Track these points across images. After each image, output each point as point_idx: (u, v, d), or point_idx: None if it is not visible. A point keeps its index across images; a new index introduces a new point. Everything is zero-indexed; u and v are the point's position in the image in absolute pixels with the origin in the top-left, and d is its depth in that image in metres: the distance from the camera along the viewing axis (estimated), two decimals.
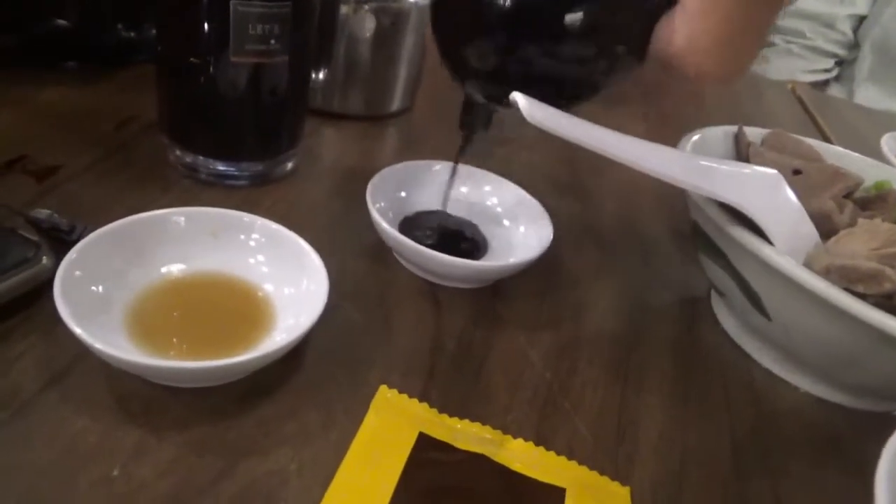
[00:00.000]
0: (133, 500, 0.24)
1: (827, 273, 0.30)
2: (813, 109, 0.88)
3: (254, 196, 0.43)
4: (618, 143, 0.29)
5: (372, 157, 0.53)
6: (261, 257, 0.33)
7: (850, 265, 0.29)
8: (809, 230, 0.33)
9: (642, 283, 0.44)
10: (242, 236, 0.32)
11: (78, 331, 0.25)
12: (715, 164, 0.32)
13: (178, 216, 0.31)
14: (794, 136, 0.47)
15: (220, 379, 0.28)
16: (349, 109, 0.56)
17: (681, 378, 0.37)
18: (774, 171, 0.33)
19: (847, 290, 0.29)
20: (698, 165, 0.32)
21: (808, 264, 0.31)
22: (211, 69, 0.38)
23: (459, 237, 0.41)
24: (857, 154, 0.49)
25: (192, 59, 0.38)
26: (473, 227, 0.42)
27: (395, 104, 0.58)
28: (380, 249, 0.40)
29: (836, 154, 0.48)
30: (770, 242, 0.32)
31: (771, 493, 0.31)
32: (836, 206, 0.36)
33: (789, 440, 0.35)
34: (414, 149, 0.57)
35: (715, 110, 0.81)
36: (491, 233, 0.42)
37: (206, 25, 0.37)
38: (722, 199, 0.32)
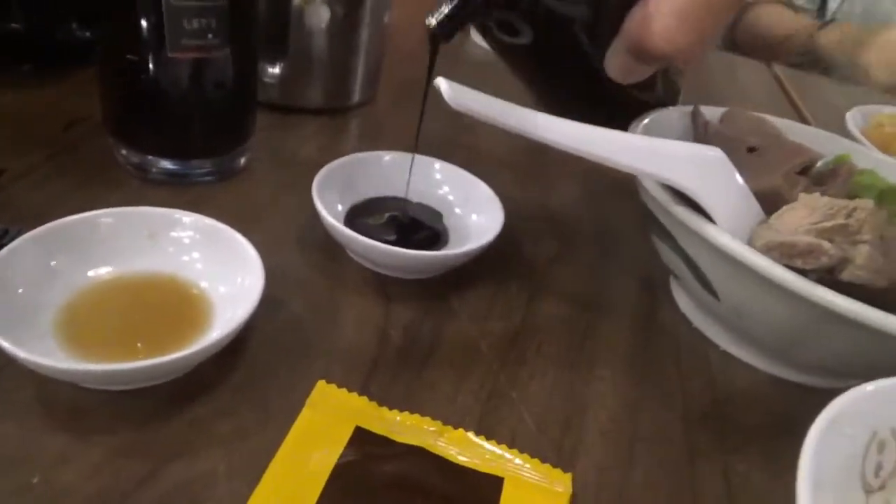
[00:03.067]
0: None
1: (768, 250, 0.29)
2: (790, 87, 0.87)
3: (204, 194, 0.42)
4: (552, 126, 0.29)
5: (331, 150, 0.52)
6: (196, 254, 0.32)
7: (789, 241, 0.28)
8: (755, 208, 0.32)
9: (601, 268, 0.44)
10: (175, 234, 0.32)
11: (1, 341, 0.25)
12: (655, 144, 0.31)
13: (107, 217, 0.31)
14: (754, 113, 0.46)
15: (149, 380, 0.28)
16: (308, 103, 0.55)
17: (635, 363, 0.36)
18: (717, 150, 0.32)
19: (788, 266, 0.29)
20: (638, 146, 0.31)
21: (751, 242, 0.31)
22: (150, 66, 0.37)
23: (413, 226, 0.41)
24: (819, 129, 0.49)
25: (129, 56, 0.37)
26: (433, 214, 0.42)
27: (356, 96, 0.57)
28: (331, 244, 0.39)
29: (798, 130, 0.47)
30: (714, 222, 0.31)
31: (722, 476, 0.31)
32: (785, 183, 0.36)
33: (744, 421, 0.34)
34: (376, 140, 0.56)
35: (686, 92, 0.80)
36: (444, 222, 0.41)
37: (141, 22, 0.36)
38: (661, 180, 0.32)
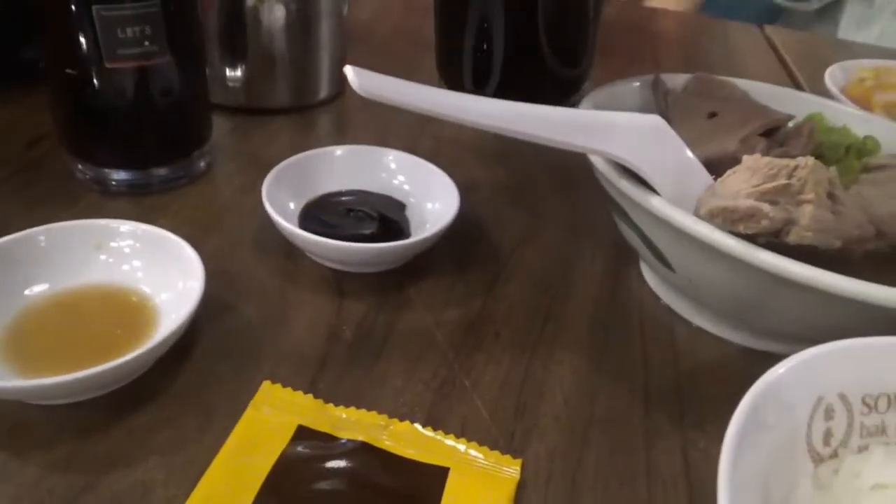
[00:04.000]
0: None
1: (711, 217, 0.28)
2: (782, 50, 0.85)
3: (162, 201, 0.42)
4: (474, 106, 0.28)
5: (298, 148, 0.51)
6: (137, 262, 0.32)
7: (731, 206, 0.27)
8: (701, 174, 0.31)
9: (569, 251, 0.43)
10: (115, 244, 0.32)
11: None
12: (588, 117, 0.30)
13: (44, 234, 0.31)
14: (720, 77, 0.45)
15: (90, 391, 0.28)
16: (275, 103, 0.55)
17: (597, 344, 0.35)
18: (655, 117, 0.31)
19: (732, 232, 0.28)
20: (571, 121, 0.30)
21: (697, 209, 0.30)
22: (91, 79, 0.37)
23: (369, 218, 0.40)
24: (791, 90, 0.47)
25: (68, 70, 0.37)
26: (391, 204, 0.41)
27: (323, 91, 0.57)
28: (286, 244, 0.39)
29: (767, 92, 0.45)
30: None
31: (681, 454, 0.30)
32: (742, 146, 0.34)
33: (707, 395, 0.33)
34: (345, 135, 0.56)
35: (673, 64, 0.79)
36: (405, 212, 0.41)
37: (75, 35, 0.36)
38: (597, 153, 0.31)
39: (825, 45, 0.96)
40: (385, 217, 0.40)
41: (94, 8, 0.35)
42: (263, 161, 0.48)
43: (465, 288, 0.38)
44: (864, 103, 0.48)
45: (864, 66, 0.54)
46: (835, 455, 0.24)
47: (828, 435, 0.24)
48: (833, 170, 0.29)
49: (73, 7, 0.35)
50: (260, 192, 0.43)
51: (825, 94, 0.52)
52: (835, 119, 0.43)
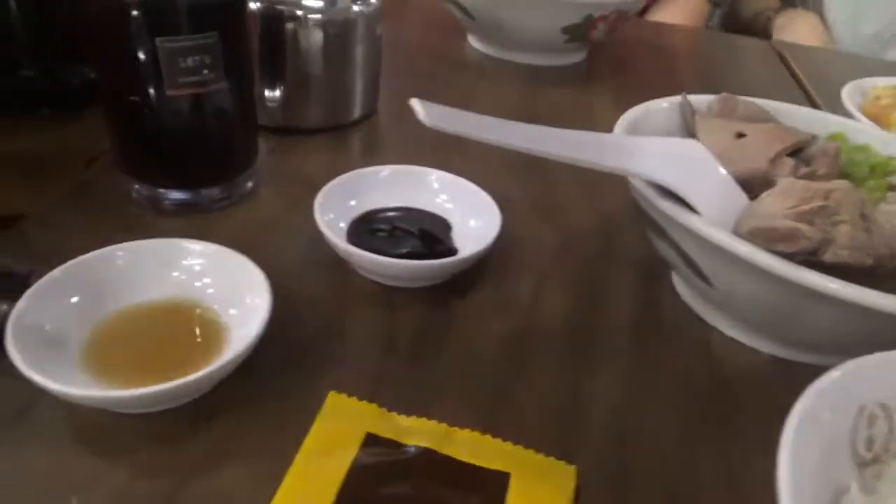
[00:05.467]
0: None
1: (752, 236, 0.30)
2: (794, 65, 0.87)
3: (215, 219, 0.44)
4: (530, 135, 0.30)
5: (337, 166, 0.53)
6: (207, 280, 0.34)
7: (769, 226, 0.29)
8: (737, 194, 0.33)
9: (603, 264, 0.45)
10: (186, 262, 0.34)
11: (30, 374, 0.27)
12: (633, 143, 0.32)
13: (121, 251, 0.33)
14: (744, 98, 0.47)
15: (168, 402, 0.30)
16: (310, 123, 0.57)
17: (637, 355, 0.37)
18: (693, 142, 0.33)
19: (772, 250, 0.30)
20: (615, 146, 0.32)
21: (736, 228, 0.32)
22: (152, 104, 0.39)
23: (416, 236, 0.42)
24: (813, 110, 0.49)
25: (131, 97, 0.39)
26: (436, 222, 0.43)
27: (357, 112, 0.59)
28: (335, 259, 0.41)
29: (792, 112, 0.47)
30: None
31: (723, 458, 0.32)
32: (772, 166, 0.36)
33: (744, 404, 0.35)
34: (378, 154, 0.58)
35: (690, 79, 0.81)
36: (442, 229, 0.43)
37: (138, 64, 0.38)
38: (642, 177, 0.32)
39: (836, 59, 0.98)
40: (430, 234, 0.41)
41: (158, 40, 0.37)
42: (303, 180, 0.50)
43: (507, 301, 0.40)
44: (881, 121, 0.50)
45: (879, 84, 0.56)
46: (877, 460, 0.26)
47: (870, 441, 0.26)
48: (860, 192, 0.31)
49: (138, 39, 0.37)
50: (303, 209, 0.45)
51: (843, 112, 0.54)
52: (856, 138, 0.45)
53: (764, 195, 0.32)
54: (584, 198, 0.52)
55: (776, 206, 0.30)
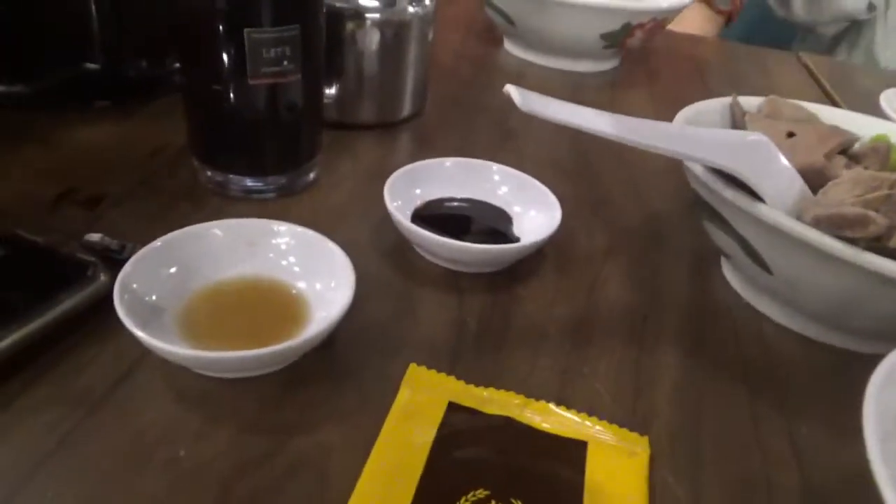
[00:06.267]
0: (200, 475, 0.27)
1: (817, 223, 0.32)
2: (819, 75, 0.89)
3: (281, 206, 0.46)
4: (611, 122, 0.32)
5: (387, 161, 0.56)
6: (292, 259, 0.36)
7: (837, 213, 0.31)
8: (800, 186, 0.35)
9: (654, 254, 0.46)
10: (274, 241, 0.36)
11: (140, 334, 0.29)
12: (704, 133, 0.34)
13: (215, 228, 0.35)
14: (790, 101, 0.49)
15: (263, 367, 0.31)
16: (363, 119, 0.59)
17: (694, 338, 0.39)
18: (760, 135, 0.35)
19: (837, 237, 0.31)
20: (689, 135, 0.34)
21: (799, 217, 0.33)
22: (232, 94, 0.41)
23: (477, 224, 0.44)
24: (854, 112, 0.51)
25: (214, 86, 0.41)
26: (496, 212, 0.45)
27: (406, 110, 0.61)
28: (400, 244, 0.43)
29: (833, 114, 0.49)
30: (763, 201, 0.34)
31: (787, 437, 0.33)
32: (826, 161, 0.38)
33: (802, 386, 0.36)
34: (426, 150, 0.60)
35: (719, 86, 0.83)
36: (503, 219, 0.44)
37: (223, 54, 0.40)
38: (714, 165, 0.34)
39: (859, 71, 1.00)
40: (492, 222, 0.43)
41: (245, 31, 0.39)
42: (361, 171, 0.52)
43: (567, 289, 0.42)
44: None
45: None
46: None
47: None
48: None
49: (226, 30, 0.39)
50: (365, 198, 0.47)
51: (881, 116, 0.56)
52: None
53: (830, 184, 0.33)
54: (631, 195, 0.54)
55: (842, 194, 0.32)
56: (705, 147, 0.34)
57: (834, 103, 0.80)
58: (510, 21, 0.75)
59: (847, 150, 0.43)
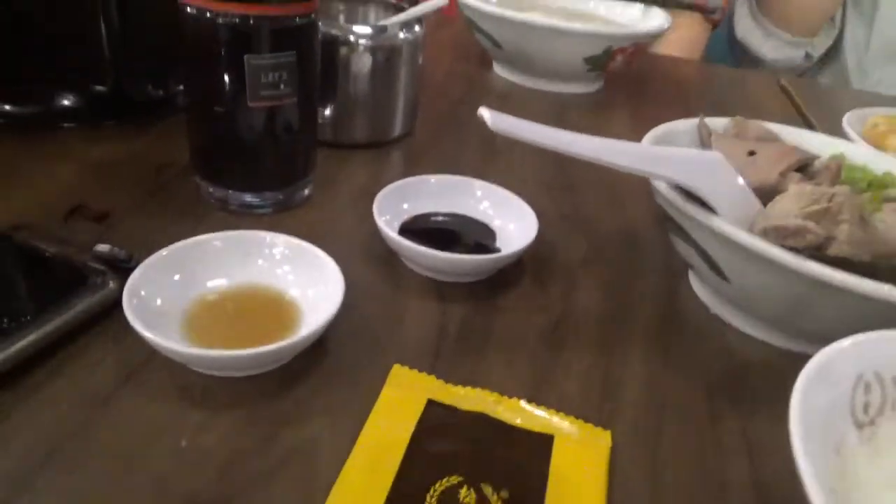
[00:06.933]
0: (201, 462, 0.30)
1: (764, 234, 0.35)
2: (796, 97, 0.92)
3: (277, 220, 0.49)
4: (577, 141, 0.35)
5: (379, 178, 0.59)
6: (287, 268, 0.39)
7: (780, 224, 0.34)
8: (752, 200, 0.38)
9: (627, 266, 0.49)
10: (269, 251, 0.39)
11: (146, 334, 0.32)
12: (665, 152, 0.37)
13: (216, 240, 0.38)
14: (755, 121, 0.52)
15: (259, 366, 0.34)
16: (356, 139, 0.62)
17: (661, 344, 0.42)
18: (716, 153, 0.38)
19: (783, 246, 0.34)
20: (651, 154, 0.37)
21: (750, 228, 0.36)
22: (233, 115, 0.45)
23: (460, 237, 0.47)
24: (817, 133, 0.54)
25: (216, 108, 0.44)
26: (478, 226, 0.48)
27: (397, 130, 0.64)
28: (389, 256, 0.46)
29: (796, 134, 0.53)
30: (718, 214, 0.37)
31: (741, 434, 0.36)
32: (781, 179, 0.41)
33: (758, 389, 0.39)
34: (415, 167, 0.63)
35: (699, 107, 0.86)
36: (485, 231, 0.48)
37: (225, 78, 0.43)
38: (673, 182, 0.37)
39: (836, 95, 1.04)
40: (475, 235, 0.46)
41: (246, 56, 0.42)
42: (352, 188, 0.56)
43: (545, 297, 0.45)
44: (878, 146, 0.55)
45: (878, 113, 0.61)
46: (872, 423, 0.30)
47: (867, 405, 0.30)
48: (860, 196, 0.36)
49: (228, 55, 0.42)
50: (356, 213, 0.50)
51: (843, 137, 0.59)
52: (854, 158, 0.50)
53: (777, 198, 0.36)
54: (609, 210, 0.57)
55: (787, 207, 0.35)
56: (666, 165, 0.37)
57: (808, 124, 0.83)
58: (497, 45, 0.79)
59: (805, 167, 0.46)
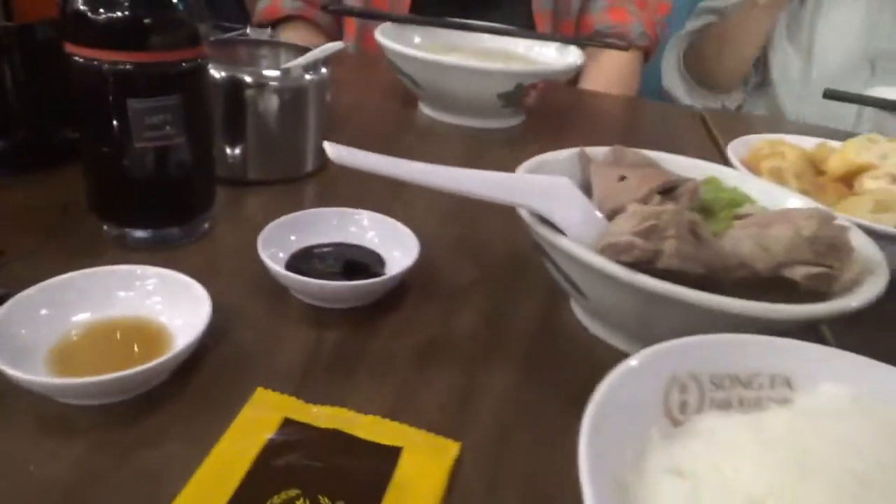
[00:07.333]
0: (47, 487, 0.31)
1: (602, 251, 0.37)
2: (714, 127, 0.96)
3: (173, 254, 0.50)
4: (428, 171, 0.37)
5: (284, 212, 0.60)
6: (157, 298, 0.40)
7: (613, 242, 0.36)
8: (599, 220, 0.40)
9: (511, 289, 0.51)
10: (139, 283, 0.40)
11: (2, 368, 0.33)
12: (512, 179, 0.40)
13: (84, 275, 0.39)
14: (632, 149, 0.55)
15: (115, 394, 0.35)
16: (268, 175, 0.64)
17: (532, 360, 0.43)
18: (563, 178, 0.40)
19: (619, 261, 0.37)
20: (499, 182, 0.39)
21: (594, 246, 0.39)
22: (122, 155, 0.47)
23: (349, 265, 0.49)
24: (699, 160, 0.57)
25: (104, 149, 0.46)
26: (368, 254, 0.50)
27: (309, 165, 0.66)
28: (278, 287, 0.47)
29: (673, 161, 0.56)
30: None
31: None
32: (640, 201, 0.44)
33: None
34: (324, 201, 0.64)
35: (614, 139, 0.89)
36: (372, 259, 0.49)
37: (112, 122, 0.45)
38: (523, 207, 0.40)
39: (756, 123, 1.09)
40: (358, 263, 0.48)
41: (129, 101, 0.45)
42: (257, 223, 0.57)
43: (423, 320, 0.46)
44: (754, 170, 0.58)
45: (765, 138, 0.64)
46: (689, 420, 0.32)
47: (684, 405, 0.32)
48: (695, 214, 0.38)
49: (112, 99, 0.45)
50: (252, 246, 0.52)
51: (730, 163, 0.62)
52: (727, 181, 0.53)
53: (616, 218, 0.39)
54: (502, 235, 0.59)
55: (622, 225, 0.37)
56: (515, 192, 0.39)
57: (720, 150, 0.87)
58: (417, 84, 0.82)
59: (671, 189, 0.49)
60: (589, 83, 1.14)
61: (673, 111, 1.05)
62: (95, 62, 0.44)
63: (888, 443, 0.27)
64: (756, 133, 0.73)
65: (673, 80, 1.31)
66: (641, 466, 0.28)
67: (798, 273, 0.39)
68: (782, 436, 0.29)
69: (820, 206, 0.46)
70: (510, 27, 0.94)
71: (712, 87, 1.28)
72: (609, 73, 1.14)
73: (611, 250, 0.37)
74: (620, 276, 0.36)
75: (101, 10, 0.43)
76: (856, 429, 0.28)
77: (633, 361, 0.31)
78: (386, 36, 0.83)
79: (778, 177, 0.56)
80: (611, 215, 0.43)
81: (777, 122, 1.11)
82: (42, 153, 0.61)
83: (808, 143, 0.65)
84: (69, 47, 0.45)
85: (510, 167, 0.77)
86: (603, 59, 1.13)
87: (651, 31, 1.15)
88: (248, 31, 0.81)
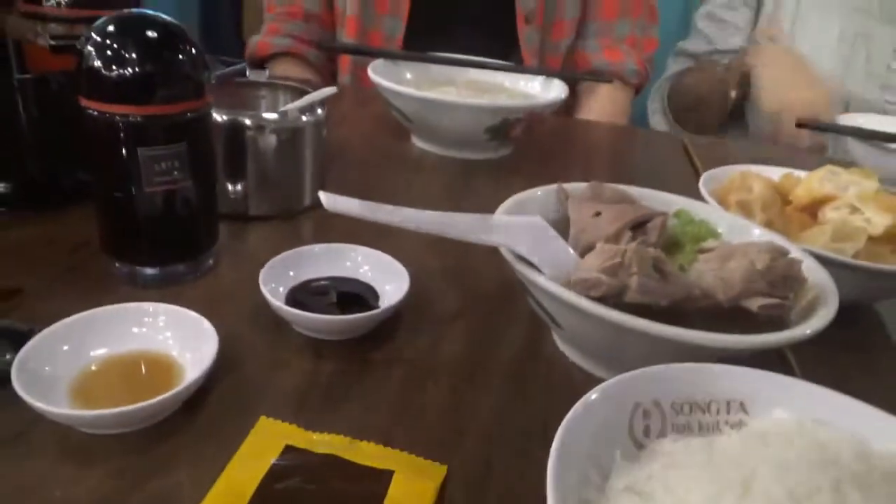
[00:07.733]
0: None
1: (572, 286, 0.41)
2: (694, 155, 1.01)
3: (180, 290, 0.54)
4: (413, 216, 0.41)
5: (283, 247, 0.63)
6: (168, 333, 0.44)
7: (582, 277, 0.40)
8: (572, 257, 0.44)
9: (497, 318, 0.55)
10: (151, 320, 0.44)
11: (31, 401, 0.36)
12: (490, 221, 0.44)
13: (102, 312, 0.43)
14: (610, 184, 0.59)
15: (132, 423, 0.39)
16: (267, 211, 0.68)
17: (515, 386, 0.47)
18: (536, 218, 0.44)
19: (588, 296, 0.40)
20: (477, 223, 0.43)
21: (566, 282, 0.42)
22: (132, 199, 0.50)
23: (345, 298, 0.52)
24: (669, 193, 0.61)
25: (116, 193, 0.50)
26: (363, 288, 0.53)
27: (306, 201, 0.70)
28: (279, 320, 0.51)
29: (650, 195, 0.59)
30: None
31: None
32: (613, 237, 0.48)
33: None
34: (322, 236, 0.68)
35: (601, 169, 0.94)
36: (367, 292, 0.53)
37: (123, 168, 0.49)
38: (502, 246, 0.43)
39: (736, 150, 1.13)
40: (353, 295, 0.52)
41: (139, 149, 0.48)
42: (258, 258, 0.61)
43: (414, 349, 0.50)
44: (723, 203, 0.62)
45: (736, 170, 0.68)
46: (652, 444, 0.35)
47: (647, 429, 0.35)
48: (658, 251, 0.42)
49: (123, 148, 0.48)
50: (254, 281, 0.56)
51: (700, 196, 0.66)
52: (698, 214, 0.57)
53: (586, 256, 0.42)
54: (493, 266, 0.62)
55: (591, 262, 0.41)
56: (492, 232, 0.43)
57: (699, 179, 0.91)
58: (408, 119, 0.86)
59: (643, 224, 0.52)
60: (584, 115, 1.19)
61: (656, 137, 1.10)
62: (108, 115, 0.48)
63: (822, 464, 0.30)
64: (733, 163, 0.77)
65: (658, 120, 1.38)
66: (605, 486, 0.31)
67: (755, 304, 0.43)
68: (732, 457, 0.33)
69: (776, 239, 0.49)
70: (500, 62, 0.98)
71: (691, 130, 1.33)
72: (605, 107, 1.20)
73: (581, 286, 0.40)
74: (589, 309, 0.39)
75: (114, 68, 0.47)
76: (795, 451, 0.32)
77: (596, 393, 0.34)
78: (378, 73, 0.87)
79: (745, 209, 0.60)
80: (586, 250, 0.47)
81: (755, 147, 1.15)
82: (55, 193, 0.64)
83: (776, 173, 0.68)
84: (84, 101, 0.49)
85: (498, 196, 0.81)
86: (600, 92, 1.20)
87: (641, 67, 1.21)
88: (247, 73, 0.85)
